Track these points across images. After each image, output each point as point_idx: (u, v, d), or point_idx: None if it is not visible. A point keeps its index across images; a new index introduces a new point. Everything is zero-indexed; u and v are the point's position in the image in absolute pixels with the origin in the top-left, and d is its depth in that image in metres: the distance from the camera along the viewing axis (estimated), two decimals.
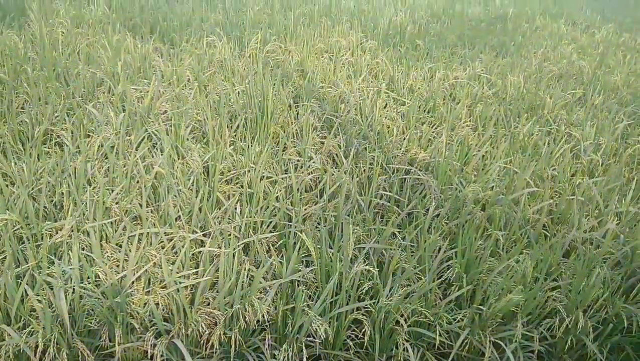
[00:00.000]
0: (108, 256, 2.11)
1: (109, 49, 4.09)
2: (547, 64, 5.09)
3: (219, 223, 2.36)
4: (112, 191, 2.47)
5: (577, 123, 3.80)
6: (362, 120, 3.63)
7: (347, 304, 2.04)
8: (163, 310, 1.94)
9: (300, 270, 2.13)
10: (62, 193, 2.46)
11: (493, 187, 2.90)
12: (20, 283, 1.87)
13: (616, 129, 3.66)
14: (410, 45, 5.34)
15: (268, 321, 2.00)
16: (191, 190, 2.58)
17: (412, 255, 2.29)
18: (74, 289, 1.90)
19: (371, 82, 4.43)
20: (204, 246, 2.17)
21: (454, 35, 5.77)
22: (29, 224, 2.26)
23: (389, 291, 2.09)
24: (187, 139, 3.11)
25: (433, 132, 3.58)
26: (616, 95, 4.41)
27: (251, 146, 3.03)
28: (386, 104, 4.01)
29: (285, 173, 2.95)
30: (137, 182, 2.60)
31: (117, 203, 2.39)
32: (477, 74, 4.65)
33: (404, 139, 3.39)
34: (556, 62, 5.17)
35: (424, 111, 3.96)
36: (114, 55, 4.03)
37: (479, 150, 3.28)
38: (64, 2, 5.48)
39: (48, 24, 4.66)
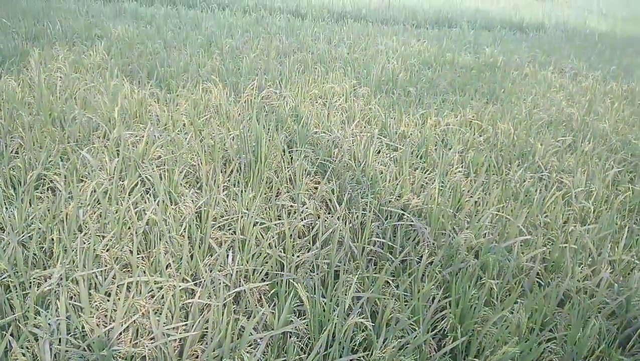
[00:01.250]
0: (96, 305, 2.06)
1: (105, 94, 4.14)
2: (537, 110, 5.20)
3: (210, 271, 2.33)
4: (103, 238, 2.45)
5: (568, 170, 3.84)
6: (355, 166, 3.66)
7: (340, 357, 2.00)
8: None
9: (292, 321, 2.09)
10: (53, 239, 2.43)
11: (486, 234, 2.90)
12: (5, 334, 1.83)
13: (607, 176, 3.71)
14: (402, 92, 5.45)
15: None
16: (183, 236, 2.56)
17: (406, 305, 2.27)
18: (60, 340, 1.85)
19: (364, 127, 4.49)
20: (194, 295, 2.13)
21: (445, 82, 5.90)
22: (17, 272, 2.22)
23: (383, 342, 2.05)
24: (181, 184, 3.11)
25: (426, 178, 3.61)
26: (605, 142, 4.48)
27: (244, 191, 3.03)
28: (379, 150, 4.06)
29: (279, 219, 2.94)
30: (129, 228, 2.58)
31: (107, 250, 2.37)
32: (468, 120, 4.73)
33: (397, 185, 3.41)
34: (546, 109, 5.28)
35: (417, 157, 4.00)
36: (111, 100, 4.08)
37: (471, 197, 3.30)
38: (63, 48, 5.59)
39: (47, 69, 4.73)
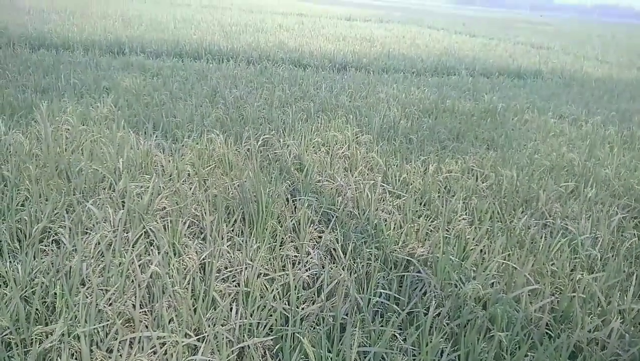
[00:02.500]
0: None
1: (112, 145, 4.21)
2: (538, 156, 5.24)
3: (214, 326, 2.30)
4: (106, 291, 2.43)
5: (572, 216, 3.83)
6: (359, 214, 3.67)
7: None
8: None
9: None
10: (56, 294, 2.41)
11: (493, 283, 2.87)
12: None
13: (612, 222, 3.70)
14: (403, 139, 5.52)
15: None
16: (187, 288, 2.54)
17: (414, 359, 2.21)
18: None
19: (367, 174, 4.53)
20: (197, 350, 2.09)
21: (446, 130, 5.98)
22: (18, 328, 2.19)
23: None
24: (185, 235, 3.12)
25: (430, 226, 3.60)
26: (608, 187, 4.49)
27: (248, 241, 3.03)
28: (382, 197, 4.07)
29: (283, 270, 2.92)
30: (132, 281, 2.56)
31: (110, 305, 2.34)
32: (469, 167, 4.76)
33: (402, 233, 3.40)
34: (546, 154, 5.32)
35: (420, 204, 4.01)
36: (117, 151, 4.14)
37: (476, 245, 3.28)
38: (72, 101, 5.72)
39: (55, 121, 4.83)
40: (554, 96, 9.09)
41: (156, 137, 4.79)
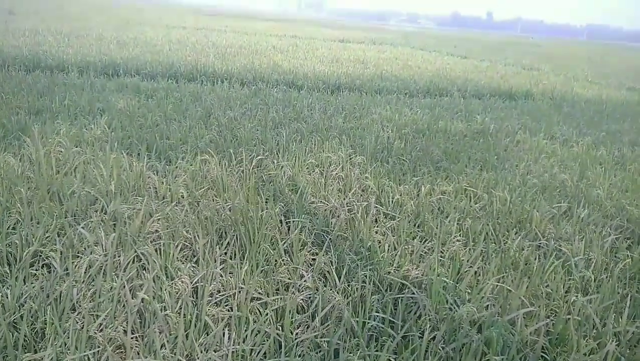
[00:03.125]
0: None
1: (105, 167, 4.19)
2: (530, 177, 5.27)
3: (206, 352, 2.26)
4: (97, 317, 2.39)
5: (565, 237, 3.84)
6: (353, 236, 3.66)
7: None
8: None
9: None
10: (45, 320, 2.37)
11: (488, 306, 2.85)
12: None
13: (605, 243, 3.71)
14: (397, 160, 5.55)
15: None
16: (179, 313, 2.51)
17: None
18: None
19: (361, 195, 4.53)
20: None
21: (439, 150, 6.02)
22: (6, 356, 2.15)
23: None
24: (177, 259, 3.09)
25: (424, 247, 3.59)
26: (600, 208, 4.52)
27: (241, 264, 3.00)
28: (376, 218, 4.07)
29: (277, 293, 2.89)
30: (124, 306, 2.53)
31: (101, 330, 2.31)
32: (463, 188, 4.78)
33: (396, 255, 3.39)
34: (539, 175, 5.35)
35: (414, 225, 4.01)
36: (110, 173, 4.13)
37: (471, 267, 3.27)
38: (65, 122, 5.72)
39: (47, 143, 4.82)
40: (545, 117, 9.20)
41: (150, 158, 4.78)
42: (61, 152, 4.69)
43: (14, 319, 2.39)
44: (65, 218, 3.42)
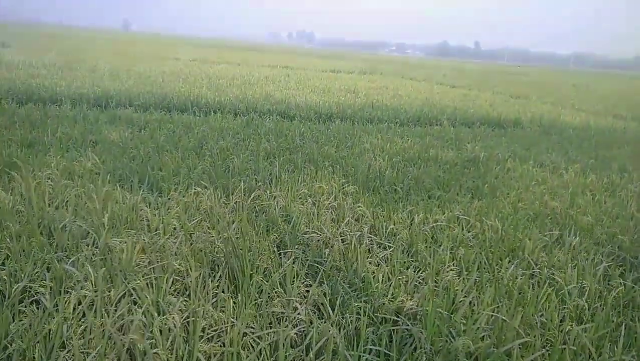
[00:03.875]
0: None
1: (96, 200, 4.18)
2: (522, 204, 5.31)
3: None
4: (87, 355, 2.35)
5: (558, 265, 3.85)
6: (347, 267, 3.64)
7: None
8: None
9: None
10: (34, 358, 2.32)
11: (484, 336, 2.83)
12: None
13: (597, 271, 3.72)
14: (389, 189, 5.58)
15: None
16: (170, 350, 2.46)
17: None
18: None
19: (354, 225, 4.53)
20: None
21: (430, 179, 6.06)
22: None
23: None
24: (169, 293, 3.05)
25: (418, 277, 3.58)
26: (591, 235, 4.54)
27: (234, 298, 2.97)
28: (370, 248, 4.06)
29: (270, 327, 2.86)
30: (115, 343, 2.48)
31: None
32: (455, 216, 4.80)
33: (390, 285, 3.37)
34: (530, 203, 5.39)
35: (408, 255, 4.00)
36: (102, 206, 4.11)
37: (465, 297, 3.26)
38: (57, 155, 5.71)
39: (39, 176, 4.80)
40: (534, 145, 9.32)
41: (142, 190, 4.77)
42: (52, 185, 4.67)
43: (1, 358, 2.33)
44: (56, 252, 3.38)
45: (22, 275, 3.01)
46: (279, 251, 3.86)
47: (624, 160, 8.28)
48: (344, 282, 3.42)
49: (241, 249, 3.49)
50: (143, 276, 3.08)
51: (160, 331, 2.57)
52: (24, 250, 3.35)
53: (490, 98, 18.05)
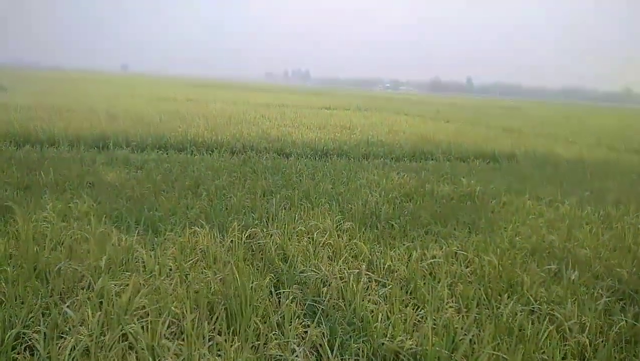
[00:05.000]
0: None
1: (92, 242, 4.16)
2: (519, 238, 5.31)
3: None
4: None
5: (557, 300, 3.82)
6: (345, 305, 3.60)
7: None
8: None
9: None
10: None
11: None
12: None
13: (598, 305, 3.68)
14: (386, 225, 5.57)
15: None
16: None
17: None
18: None
19: (351, 262, 4.50)
20: None
21: (427, 214, 6.07)
22: None
23: None
24: (165, 336, 3.00)
25: (417, 315, 3.54)
26: (590, 269, 4.52)
27: (231, 341, 2.93)
28: (368, 286, 4.03)
29: None
30: None
31: None
32: (453, 252, 4.78)
33: (389, 324, 3.33)
34: (527, 236, 5.39)
35: (406, 292, 3.97)
36: (98, 248, 4.08)
37: (465, 334, 3.22)
38: (52, 197, 5.71)
39: (34, 219, 4.78)
40: (528, 178, 9.38)
41: (138, 232, 4.75)
42: (47, 228, 4.65)
43: None
44: (51, 296, 3.35)
45: (17, 321, 2.97)
46: (276, 291, 3.82)
47: (619, 192, 8.32)
48: (342, 321, 3.38)
49: (239, 290, 3.46)
50: (138, 320, 3.04)
51: None
52: (18, 295, 3.31)
53: (484, 133, 18.26)
